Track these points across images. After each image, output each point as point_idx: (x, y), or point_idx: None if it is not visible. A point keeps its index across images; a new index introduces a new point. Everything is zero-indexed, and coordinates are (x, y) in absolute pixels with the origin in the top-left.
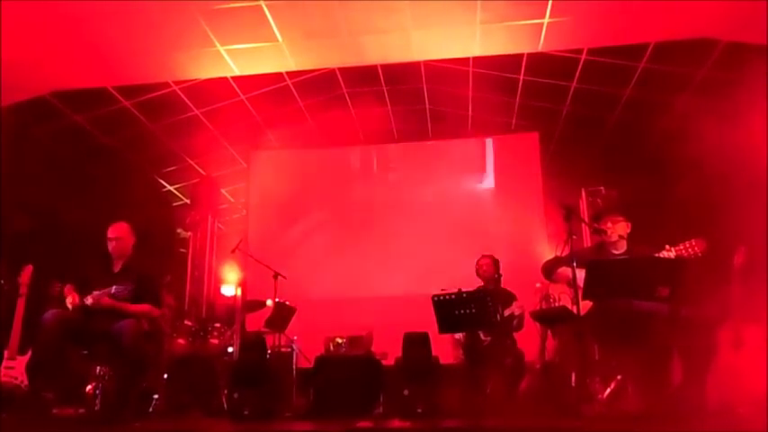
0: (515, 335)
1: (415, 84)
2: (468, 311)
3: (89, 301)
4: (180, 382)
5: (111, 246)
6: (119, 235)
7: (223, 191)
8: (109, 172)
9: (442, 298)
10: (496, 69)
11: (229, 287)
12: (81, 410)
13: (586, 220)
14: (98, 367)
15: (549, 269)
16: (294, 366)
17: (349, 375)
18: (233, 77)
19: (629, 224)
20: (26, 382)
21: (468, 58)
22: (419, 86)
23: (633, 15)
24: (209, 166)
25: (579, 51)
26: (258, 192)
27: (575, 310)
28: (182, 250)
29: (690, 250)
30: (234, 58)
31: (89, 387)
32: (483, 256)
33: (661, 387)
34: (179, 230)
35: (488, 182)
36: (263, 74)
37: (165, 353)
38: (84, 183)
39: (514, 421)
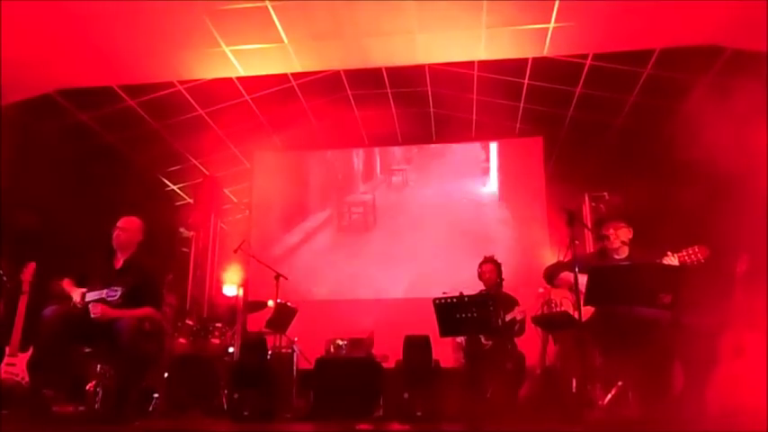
0: (516, 339)
1: (420, 87)
2: (469, 315)
3: (94, 314)
4: (180, 381)
5: (115, 235)
6: (128, 226)
7: (226, 191)
8: (112, 170)
9: (443, 301)
10: (501, 73)
11: (231, 287)
12: (81, 408)
13: (589, 225)
14: (99, 365)
15: (551, 274)
16: (294, 367)
17: (349, 377)
18: (238, 78)
19: (632, 230)
20: (27, 380)
21: (473, 62)
22: (424, 89)
23: (639, 21)
24: (213, 165)
25: (584, 56)
26: (261, 192)
27: (576, 316)
28: (184, 249)
29: (692, 257)
30: (239, 59)
31: (90, 385)
32: (485, 260)
33: (662, 393)
34: (182, 230)
35: (492, 185)
36: (268, 75)
37: (166, 352)
38: (88, 181)
39: (515, 426)
